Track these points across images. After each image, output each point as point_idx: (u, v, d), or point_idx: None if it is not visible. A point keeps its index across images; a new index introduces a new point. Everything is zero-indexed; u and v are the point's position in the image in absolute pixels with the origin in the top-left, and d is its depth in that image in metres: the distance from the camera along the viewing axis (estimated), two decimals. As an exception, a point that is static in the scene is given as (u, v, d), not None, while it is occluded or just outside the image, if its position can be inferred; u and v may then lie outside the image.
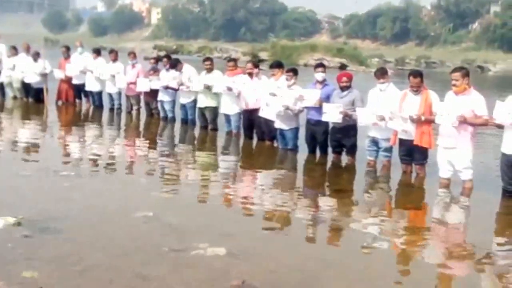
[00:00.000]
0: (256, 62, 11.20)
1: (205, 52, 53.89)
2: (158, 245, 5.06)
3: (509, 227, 6.55)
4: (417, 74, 8.01)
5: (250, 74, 10.41)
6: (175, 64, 12.17)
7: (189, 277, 4.44)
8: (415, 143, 7.82)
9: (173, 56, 13.81)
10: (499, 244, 5.89)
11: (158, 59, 13.32)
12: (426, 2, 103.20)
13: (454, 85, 7.29)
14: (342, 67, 42.58)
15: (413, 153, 8.04)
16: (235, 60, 11.67)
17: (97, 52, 14.47)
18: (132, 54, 13.51)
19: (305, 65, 40.27)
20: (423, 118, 7.61)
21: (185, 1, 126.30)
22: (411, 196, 7.72)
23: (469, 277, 4.92)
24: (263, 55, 47.67)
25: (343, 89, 8.80)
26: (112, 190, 7.15)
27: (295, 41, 73.09)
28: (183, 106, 12.03)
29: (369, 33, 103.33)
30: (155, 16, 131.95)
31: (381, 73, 8.51)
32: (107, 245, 5.10)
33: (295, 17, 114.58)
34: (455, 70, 7.49)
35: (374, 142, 8.58)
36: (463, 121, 7.12)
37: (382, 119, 8.12)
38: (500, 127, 7.03)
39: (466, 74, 7.33)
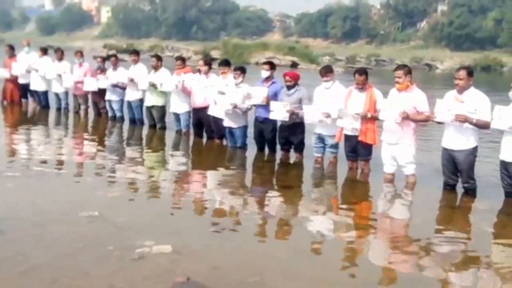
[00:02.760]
0: (208, 60, 11.17)
1: (156, 51, 53.49)
2: (103, 244, 5.04)
3: (449, 219, 6.79)
4: (362, 72, 8.16)
5: (200, 71, 10.42)
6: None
7: (133, 274, 4.45)
8: (359, 139, 7.98)
9: (121, 56, 13.70)
10: (440, 235, 6.07)
11: (105, 58, 13.17)
12: (375, 1, 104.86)
13: (397, 82, 7.47)
14: (294, 65, 43.02)
15: (358, 150, 8.20)
16: (183, 59, 11.63)
17: (44, 50, 14.20)
18: (79, 53, 13.33)
19: (257, 63, 40.40)
20: (369, 115, 7.77)
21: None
22: (356, 192, 7.87)
23: (413, 268, 5.04)
24: (215, 53, 47.70)
25: (288, 87, 8.90)
26: (58, 191, 7.07)
27: (247, 40, 73.33)
28: (130, 106, 11.96)
29: (321, 31, 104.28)
30: (105, 15, 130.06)
31: (325, 71, 8.61)
32: (51, 245, 5.06)
33: (246, 16, 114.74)
34: (398, 68, 7.68)
35: (321, 139, 8.71)
36: (406, 117, 7.31)
37: (328, 116, 8.25)
38: (440, 123, 7.24)
39: (408, 71, 7.53)
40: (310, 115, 8.49)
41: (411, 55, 72.64)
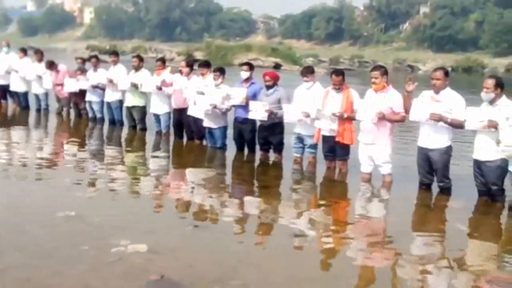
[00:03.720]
0: (191, 62, 11.18)
1: (139, 52, 53.28)
2: (78, 243, 5.06)
3: (424, 217, 6.91)
4: (339, 72, 8.26)
5: (181, 72, 10.45)
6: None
7: (108, 273, 4.48)
8: (336, 139, 8.06)
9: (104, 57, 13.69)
10: (416, 234, 6.20)
11: (85, 60, 13.14)
12: (359, 3, 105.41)
13: (373, 82, 7.58)
14: (277, 66, 43.13)
15: (336, 150, 8.27)
16: (163, 60, 11.65)
17: (24, 51, 14.13)
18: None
19: (240, 65, 40.36)
20: (345, 115, 7.84)
21: (118, 0, 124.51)
22: (334, 191, 7.95)
23: (390, 267, 5.10)
24: (198, 55, 47.61)
25: (268, 87, 8.96)
26: (36, 191, 7.07)
27: (231, 41, 73.37)
28: (110, 107, 11.95)
29: (304, 33, 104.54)
30: (88, 16, 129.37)
31: (306, 71, 8.69)
32: (27, 245, 5.06)
33: (230, 17, 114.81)
34: (375, 68, 7.80)
35: (300, 139, 8.77)
36: (382, 118, 7.40)
37: (307, 116, 8.31)
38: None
39: (385, 72, 7.64)
40: (290, 115, 8.55)
41: (394, 57, 73.04)
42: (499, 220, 6.69)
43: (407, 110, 7.25)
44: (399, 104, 7.43)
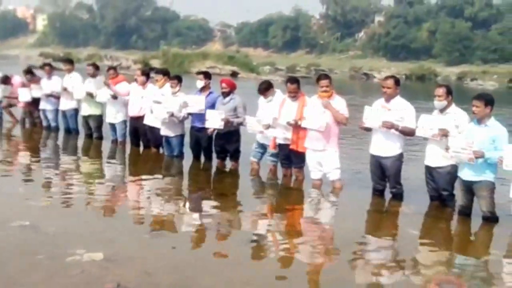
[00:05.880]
0: (146, 70, 11.15)
1: (95, 60, 52.65)
2: (34, 253, 5.02)
3: (377, 222, 7.08)
4: (294, 80, 8.37)
5: (136, 81, 10.42)
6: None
7: (63, 282, 4.46)
8: (291, 147, 8.17)
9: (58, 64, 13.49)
10: (369, 238, 6.32)
11: (29, 71, 12.75)
12: (315, 12, 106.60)
13: (325, 91, 7.76)
14: (234, 74, 43.21)
15: (291, 158, 8.38)
16: (115, 68, 11.54)
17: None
18: None
19: (197, 73, 40.25)
20: (299, 123, 7.94)
21: (72, 8, 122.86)
22: (290, 198, 8.03)
23: (343, 271, 5.18)
24: (154, 63, 47.28)
25: (224, 95, 9.02)
26: (-11, 201, 6.96)
27: (187, 49, 73.21)
28: (65, 115, 11.83)
29: (261, 41, 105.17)
30: (41, 23, 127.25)
31: (265, 90, 8.64)
32: (-20, 255, 4.99)
33: (187, 25, 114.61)
34: (325, 77, 8.00)
35: (262, 146, 8.88)
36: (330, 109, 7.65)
37: (268, 127, 8.41)
38: (368, 130, 7.52)
39: (331, 81, 7.90)
40: (252, 126, 8.64)
41: (350, 65, 74.26)
42: (450, 224, 6.91)
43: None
44: (345, 108, 7.74)
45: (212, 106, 9.11)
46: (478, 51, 77.69)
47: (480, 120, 6.56)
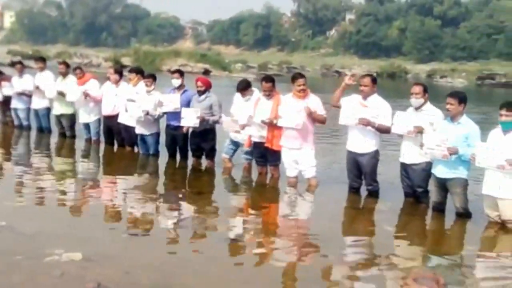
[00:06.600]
0: (119, 69, 11.06)
1: (64, 58, 52.05)
2: (11, 253, 4.96)
3: (353, 219, 7.16)
4: (269, 79, 8.37)
5: (109, 79, 10.35)
6: None
7: (43, 283, 4.43)
8: (266, 145, 8.19)
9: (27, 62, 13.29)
10: (345, 235, 6.43)
11: None
12: (286, 10, 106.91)
13: (303, 90, 7.79)
14: (206, 72, 43.13)
15: (267, 156, 8.42)
16: (80, 68, 11.38)
17: None
18: None
19: (169, 71, 40.02)
20: (275, 121, 7.96)
21: (41, 5, 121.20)
22: (266, 196, 8.07)
23: (319, 268, 5.22)
24: (125, 61, 46.89)
25: (200, 93, 9.01)
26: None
27: (158, 47, 72.75)
28: (37, 114, 11.69)
29: (233, 38, 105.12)
30: (8, 20, 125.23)
31: (243, 89, 8.59)
32: (-44, 258, 4.92)
33: (158, 23, 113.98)
34: (301, 76, 8.03)
35: (235, 143, 8.90)
36: (309, 114, 7.70)
37: (244, 127, 8.42)
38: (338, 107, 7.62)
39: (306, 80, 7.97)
40: (228, 126, 8.66)
41: (322, 62, 74.60)
42: (424, 220, 7.01)
43: (338, 99, 7.55)
44: (320, 107, 7.83)
45: (187, 104, 9.09)
46: (447, 49, 78.87)
47: (453, 118, 6.68)
